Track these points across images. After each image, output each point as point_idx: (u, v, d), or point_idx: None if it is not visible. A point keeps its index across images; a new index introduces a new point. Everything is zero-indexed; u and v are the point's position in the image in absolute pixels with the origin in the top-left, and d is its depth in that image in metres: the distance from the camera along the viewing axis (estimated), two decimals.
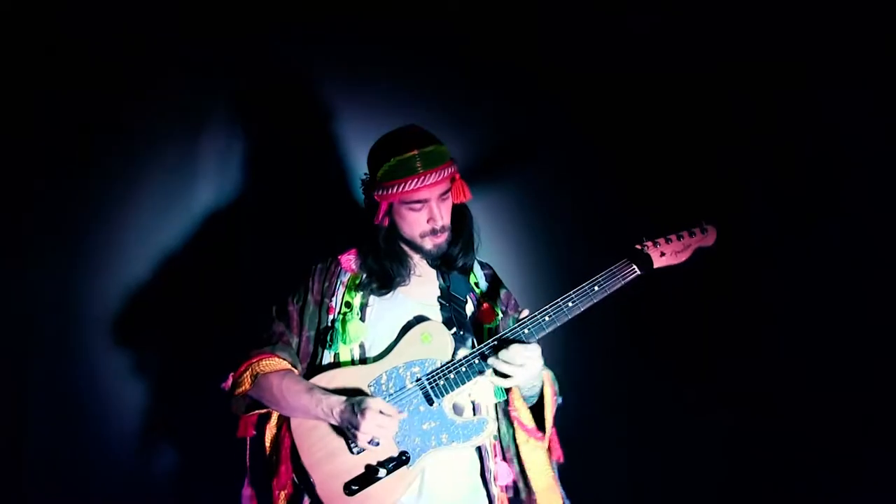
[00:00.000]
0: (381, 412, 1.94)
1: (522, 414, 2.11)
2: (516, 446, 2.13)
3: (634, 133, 3.03)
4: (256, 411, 2.13)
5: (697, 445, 3.02)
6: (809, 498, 2.90)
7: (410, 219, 2.09)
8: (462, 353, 2.07)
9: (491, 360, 1.97)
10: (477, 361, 2.01)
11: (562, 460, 2.17)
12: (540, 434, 2.12)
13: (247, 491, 2.15)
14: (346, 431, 1.98)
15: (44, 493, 2.89)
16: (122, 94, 2.89)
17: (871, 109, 2.74)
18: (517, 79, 3.04)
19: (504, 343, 1.97)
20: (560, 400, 2.17)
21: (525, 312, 2.00)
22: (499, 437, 2.17)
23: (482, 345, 2.02)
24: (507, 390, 2.11)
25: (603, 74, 3.03)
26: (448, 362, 2.04)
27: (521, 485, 2.15)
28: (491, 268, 2.32)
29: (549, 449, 2.16)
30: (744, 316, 2.94)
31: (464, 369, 2.02)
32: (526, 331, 1.99)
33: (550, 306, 1.98)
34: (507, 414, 2.14)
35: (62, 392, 2.91)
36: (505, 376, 1.97)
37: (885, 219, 2.73)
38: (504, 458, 2.16)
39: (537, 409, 2.14)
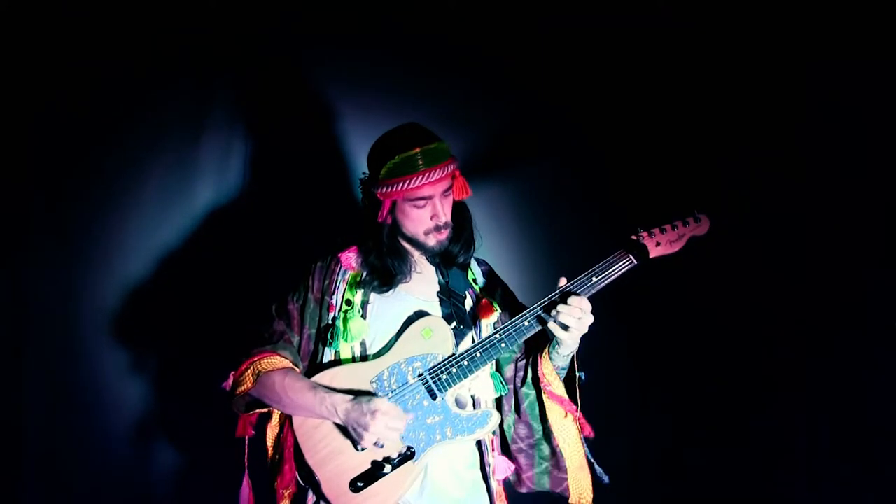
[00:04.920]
0: (388, 414, 1.95)
1: (556, 386, 2.09)
2: (547, 427, 2.12)
3: (629, 125, 3.04)
4: (256, 410, 2.14)
5: (696, 443, 3.04)
6: (809, 496, 2.92)
7: (414, 216, 2.10)
8: (464, 347, 2.08)
9: (553, 312, 1.96)
10: (480, 354, 2.02)
11: (592, 435, 2.15)
12: (574, 406, 2.10)
13: (245, 490, 2.16)
14: (352, 431, 1.99)
15: (44, 492, 2.89)
16: (123, 93, 2.89)
17: (869, 104, 2.76)
18: (516, 77, 3.05)
19: (562, 298, 1.96)
20: (583, 376, 2.14)
21: (563, 280, 2.00)
22: (497, 432, 2.18)
23: (541, 301, 2.00)
24: (535, 368, 2.11)
25: (599, 71, 3.05)
26: (450, 356, 2.05)
27: (547, 465, 2.15)
28: (487, 264, 2.34)
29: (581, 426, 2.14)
30: (741, 308, 2.97)
31: (466, 363, 2.03)
32: (526, 322, 2.01)
33: (549, 298, 2.00)
34: (535, 393, 2.13)
35: (62, 391, 2.91)
36: (565, 328, 1.95)
37: (883, 213, 2.75)
38: (502, 452, 2.18)
39: (568, 383, 2.13)
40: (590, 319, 1.96)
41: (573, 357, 2.09)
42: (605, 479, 2.12)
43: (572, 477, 2.11)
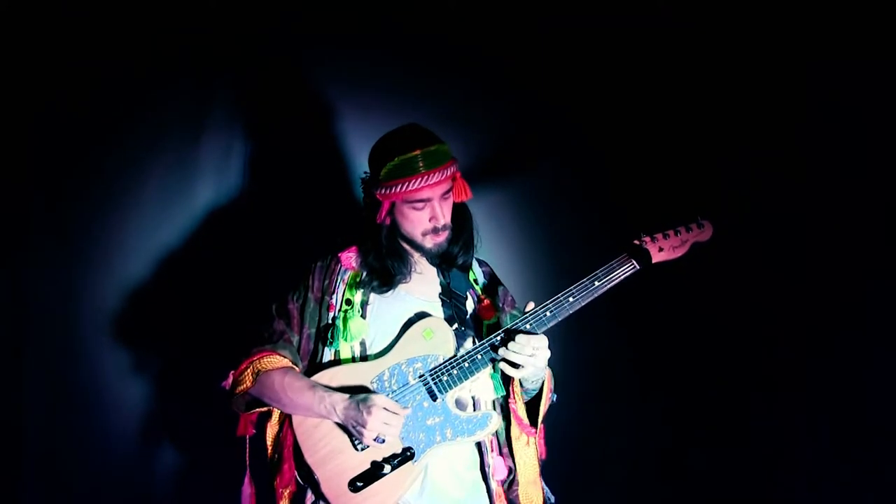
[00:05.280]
0: (385, 409, 1.96)
1: (520, 408, 2.13)
2: (509, 440, 2.15)
3: (632, 130, 3.04)
4: (257, 409, 2.13)
5: (696, 444, 3.05)
6: (809, 496, 2.91)
7: (412, 217, 2.10)
8: (465, 348, 2.09)
9: (502, 351, 1.98)
10: (481, 356, 2.03)
11: (544, 457, 2.21)
12: (532, 430, 2.14)
13: (246, 489, 2.16)
14: (351, 429, 1.99)
15: (44, 492, 2.89)
16: (123, 93, 2.89)
17: (869, 104, 2.75)
18: (516, 77, 3.05)
19: (512, 334, 1.99)
20: (554, 397, 2.20)
21: (531, 305, 2.02)
22: (495, 432, 2.18)
23: (489, 337, 2.04)
24: (509, 385, 2.13)
25: (600, 72, 3.04)
26: (451, 358, 2.05)
27: (509, 477, 2.18)
28: (489, 265, 2.34)
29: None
30: (740, 309, 2.97)
31: (467, 364, 2.03)
32: (528, 326, 2.01)
33: (551, 301, 2.01)
34: (505, 408, 2.16)
35: (62, 391, 2.91)
36: (515, 367, 1.98)
37: (883, 213, 2.75)
38: (500, 453, 2.18)
39: (531, 405, 2.16)
40: (545, 355, 1.98)
41: (543, 381, 2.12)
42: (552, 499, 2.19)
43: (522, 490, 2.14)
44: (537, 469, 2.16)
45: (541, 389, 2.14)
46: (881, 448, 2.74)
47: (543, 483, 2.18)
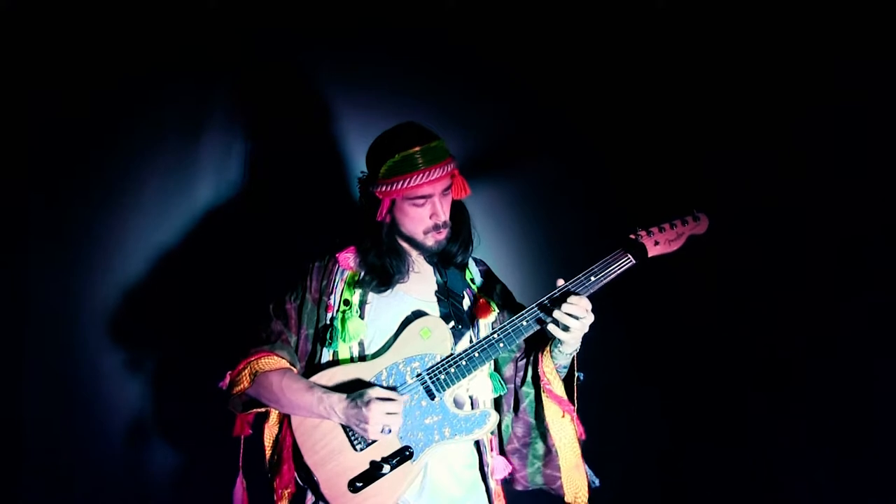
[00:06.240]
0: (382, 399, 1.95)
1: (556, 385, 2.10)
2: (543, 426, 2.12)
3: (628, 124, 3.04)
4: (253, 410, 2.13)
5: (692, 443, 3.04)
6: (810, 497, 2.91)
7: (413, 215, 2.09)
8: (462, 346, 2.08)
9: (556, 314, 1.94)
10: (479, 354, 2.01)
11: (584, 437, 2.16)
12: (571, 406, 2.11)
13: (238, 490, 2.16)
14: (355, 427, 1.99)
15: (44, 491, 2.90)
16: (122, 93, 2.90)
17: (869, 104, 2.75)
18: (514, 76, 3.05)
19: (563, 297, 1.95)
20: (581, 376, 2.15)
21: (561, 282, 2.00)
22: (496, 431, 2.18)
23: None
24: (535, 366, 2.11)
25: (598, 70, 3.05)
26: (448, 356, 2.05)
27: (539, 464, 2.16)
28: (485, 264, 2.34)
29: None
30: (740, 307, 2.96)
31: (464, 363, 2.02)
32: (524, 323, 2.01)
33: (547, 298, 2.00)
34: (536, 393, 2.13)
35: (62, 391, 2.92)
36: (565, 329, 1.95)
37: (883, 212, 2.75)
38: (501, 452, 2.18)
39: (566, 383, 2.13)
40: (590, 319, 1.96)
41: (574, 356, 2.09)
42: (596, 482, 2.15)
43: (566, 476, 2.12)
44: (579, 451, 2.13)
45: (571, 366, 2.11)
46: (882, 449, 2.73)
47: (586, 466, 2.15)
